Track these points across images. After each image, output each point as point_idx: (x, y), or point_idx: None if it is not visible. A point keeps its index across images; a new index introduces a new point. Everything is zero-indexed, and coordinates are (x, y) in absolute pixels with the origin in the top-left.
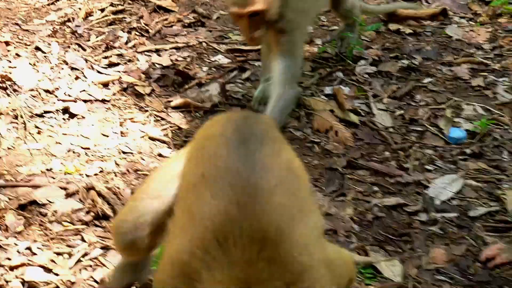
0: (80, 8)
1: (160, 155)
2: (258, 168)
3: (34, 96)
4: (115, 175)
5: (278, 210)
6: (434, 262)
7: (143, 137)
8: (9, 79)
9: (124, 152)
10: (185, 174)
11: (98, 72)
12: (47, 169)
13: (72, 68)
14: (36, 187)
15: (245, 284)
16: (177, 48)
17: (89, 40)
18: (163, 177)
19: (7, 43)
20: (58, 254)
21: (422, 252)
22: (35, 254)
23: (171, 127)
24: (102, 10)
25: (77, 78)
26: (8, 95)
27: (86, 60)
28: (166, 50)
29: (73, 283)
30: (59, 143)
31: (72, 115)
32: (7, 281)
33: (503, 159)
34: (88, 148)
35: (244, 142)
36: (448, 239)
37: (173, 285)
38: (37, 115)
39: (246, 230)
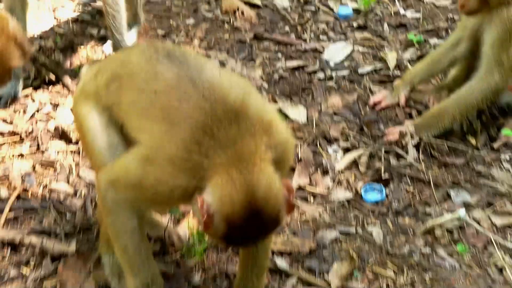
0: None
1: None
2: (197, 67)
3: None
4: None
5: (234, 89)
6: (332, 107)
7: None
8: None
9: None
10: (130, 103)
11: None
12: None
13: None
14: None
15: (240, 157)
16: None
17: None
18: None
19: None
20: (15, 111)
21: (321, 100)
22: None
23: None
24: None
25: None
26: None
27: None
28: None
29: (31, 131)
30: None
31: None
32: None
33: (384, 30)
34: None
35: (170, 55)
36: (342, 90)
37: (179, 180)
38: None
39: (220, 115)
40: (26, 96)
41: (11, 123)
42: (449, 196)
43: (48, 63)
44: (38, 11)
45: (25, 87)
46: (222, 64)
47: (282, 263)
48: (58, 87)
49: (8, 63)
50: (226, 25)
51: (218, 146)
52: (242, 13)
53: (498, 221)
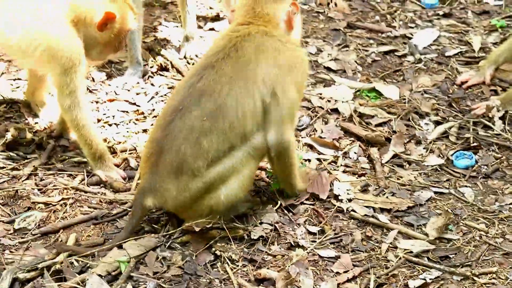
0: None
1: None
2: None
3: None
4: None
5: None
6: (422, 86)
7: None
8: None
9: None
10: None
11: None
12: None
13: None
14: None
15: None
16: None
17: None
18: None
19: None
20: (137, 94)
21: (412, 81)
22: (118, 94)
23: None
24: None
25: None
26: None
27: None
28: None
29: (152, 109)
30: None
31: None
32: (106, 110)
33: (468, 17)
34: None
35: None
36: (430, 71)
37: None
38: None
39: None
40: (146, 81)
41: (135, 104)
42: None
43: (163, 52)
44: None
45: (144, 74)
46: (320, 50)
47: (383, 218)
48: (173, 72)
49: (127, 26)
50: (321, 16)
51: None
52: (336, 4)
53: None
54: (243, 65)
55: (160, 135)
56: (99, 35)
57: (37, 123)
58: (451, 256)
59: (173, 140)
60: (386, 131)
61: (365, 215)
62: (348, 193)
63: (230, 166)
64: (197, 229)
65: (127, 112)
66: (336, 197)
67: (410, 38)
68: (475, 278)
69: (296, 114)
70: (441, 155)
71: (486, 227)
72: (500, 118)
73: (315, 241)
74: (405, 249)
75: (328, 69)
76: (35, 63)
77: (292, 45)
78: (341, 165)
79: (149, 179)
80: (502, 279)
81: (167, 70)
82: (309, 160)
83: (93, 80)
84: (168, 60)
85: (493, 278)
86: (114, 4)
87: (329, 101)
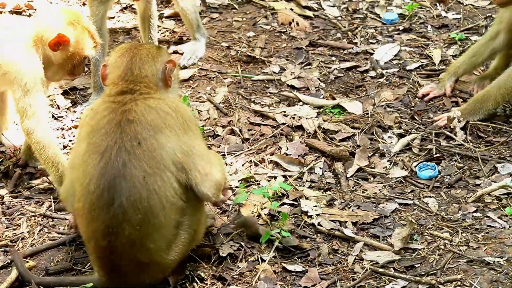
0: None
1: None
2: None
3: None
4: None
5: None
6: (385, 100)
7: None
8: None
9: None
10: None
11: None
12: None
13: None
14: None
15: None
16: None
17: None
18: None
19: None
20: None
21: (374, 95)
22: None
23: None
24: None
25: None
26: None
27: None
28: None
29: None
30: None
31: None
32: (71, 137)
33: (427, 31)
34: None
35: None
36: (392, 85)
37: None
38: None
39: None
40: None
41: None
42: (496, 169)
43: None
44: None
45: None
46: (283, 69)
47: (349, 231)
48: None
49: (83, 52)
50: (283, 35)
51: None
52: (297, 23)
53: None
54: (150, 159)
55: (104, 256)
56: (53, 55)
57: (2, 152)
58: (416, 265)
59: (121, 256)
60: (350, 146)
61: (332, 229)
62: (315, 209)
63: (185, 231)
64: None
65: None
66: (304, 213)
67: (371, 54)
68: (441, 287)
69: (213, 154)
70: (404, 167)
71: (450, 235)
72: (461, 128)
73: (284, 256)
74: (371, 261)
75: (292, 87)
76: None
77: (174, 102)
78: (306, 180)
79: (114, 283)
80: (467, 286)
81: None
82: (275, 177)
83: (58, 107)
84: None
85: (458, 285)
86: (72, 27)
87: (293, 117)
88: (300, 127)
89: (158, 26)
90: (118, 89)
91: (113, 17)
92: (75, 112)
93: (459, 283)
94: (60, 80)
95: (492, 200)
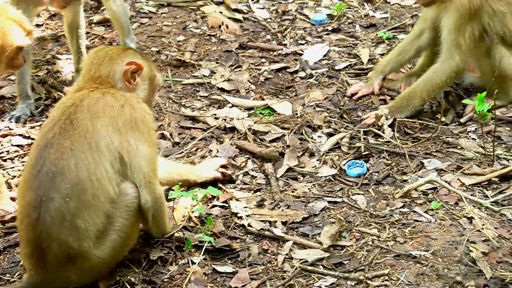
0: None
1: None
2: None
3: None
4: None
5: None
6: (314, 100)
7: None
8: None
9: None
10: None
11: None
12: None
13: None
14: None
15: None
16: None
17: None
18: None
19: None
20: (32, 127)
21: (304, 95)
22: (12, 129)
23: None
24: None
25: None
26: None
27: None
28: None
29: None
30: None
31: None
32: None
33: (356, 31)
34: None
35: None
36: (322, 85)
37: None
38: None
39: None
40: (42, 115)
41: (29, 137)
42: (423, 164)
43: (56, 84)
44: None
45: (37, 107)
46: (213, 72)
47: (278, 231)
48: None
49: (13, 42)
50: (213, 38)
51: None
52: (227, 26)
53: (467, 181)
54: (81, 137)
55: (34, 235)
56: None
57: None
58: (345, 262)
59: (49, 236)
60: (280, 146)
61: (261, 229)
62: (245, 210)
63: (117, 231)
64: None
65: (22, 146)
66: (234, 214)
67: (301, 55)
68: (369, 282)
69: (157, 163)
70: (334, 166)
71: (378, 231)
72: (389, 126)
73: (214, 258)
74: (301, 259)
75: (222, 89)
76: None
77: (128, 100)
78: (237, 182)
79: (42, 277)
80: (394, 280)
81: None
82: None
83: None
84: (62, 93)
85: (386, 280)
86: None
87: (225, 119)
88: (231, 129)
89: (88, 33)
90: (78, 86)
91: (42, 25)
92: (3, 121)
93: (386, 277)
94: (2, 75)
95: (419, 195)
